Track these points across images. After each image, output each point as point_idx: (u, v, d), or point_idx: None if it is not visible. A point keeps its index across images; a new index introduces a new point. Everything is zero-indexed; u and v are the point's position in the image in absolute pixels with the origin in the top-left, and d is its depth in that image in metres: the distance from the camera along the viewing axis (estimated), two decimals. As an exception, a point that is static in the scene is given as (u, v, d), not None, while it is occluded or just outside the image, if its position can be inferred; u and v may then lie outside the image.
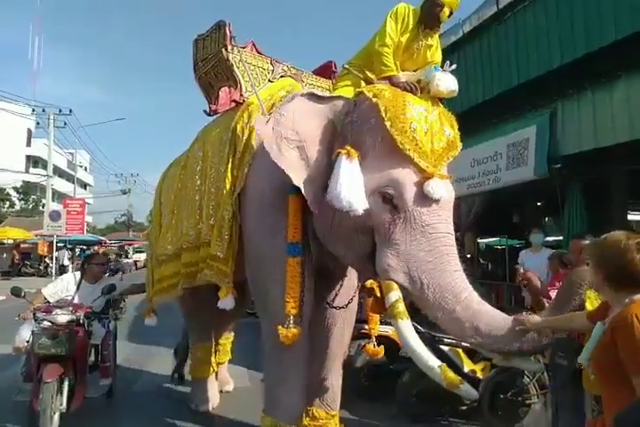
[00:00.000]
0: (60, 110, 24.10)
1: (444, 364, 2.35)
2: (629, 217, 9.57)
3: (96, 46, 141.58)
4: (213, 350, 4.68)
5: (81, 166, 41.50)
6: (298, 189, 2.83)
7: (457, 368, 4.10)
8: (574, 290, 2.89)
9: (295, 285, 2.93)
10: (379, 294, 2.55)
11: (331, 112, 2.84)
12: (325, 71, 4.40)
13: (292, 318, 2.90)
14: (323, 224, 2.85)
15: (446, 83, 2.72)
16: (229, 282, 3.24)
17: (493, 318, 2.37)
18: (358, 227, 2.63)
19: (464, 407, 4.07)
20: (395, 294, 2.44)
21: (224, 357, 4.98)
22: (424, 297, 2.43)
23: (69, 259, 21.32)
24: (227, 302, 3.24)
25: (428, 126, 2.58)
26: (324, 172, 2.71)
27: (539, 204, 9.66)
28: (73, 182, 32.36)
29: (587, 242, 3.18)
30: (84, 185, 46.34)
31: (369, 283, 2.64)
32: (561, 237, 8.37)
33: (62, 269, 21.37)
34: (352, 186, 2.51)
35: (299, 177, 2.73)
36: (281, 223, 3.01)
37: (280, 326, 2.88)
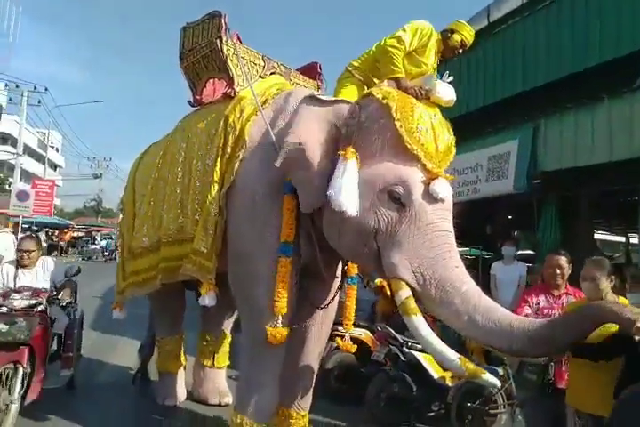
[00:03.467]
0: (35, 87, 23.35)
1: (463, 356, 2.36)
2: (596, 236, 9.91)
3: (78, 26, 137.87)
4: (203, 350, 4.55)
5: (52, 147, 40.34)
6: (293, 188, 2.84)
7: (427, 374, 4.16)
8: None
9: (285, 284, 2.92)
10: (388, 293, 2.57)
11: (333, 116, 2.85)
12: (310, 72, 4.37)
13: (280, 318, 2.90)
14: (330, 228, 2.85)
15: (447, 92, 2.86)
16: (212, 278, 3.19)
17: (492, 312, 2.36)
18: (363, 228, 2.65)
19: (432, 414, 4.11)
20: (405, 292, 2.47)
21: (222, 361, 4.57)
22: (427, 293, 2.46)
23: (45, 241, 20.71)
24: (208, 298, 3.18)
25: (432, 129, 2.68)
26: (326, 174, 2.73)
27: (510, 217, 9.85)
28: (43, 163, 31.42)
29: (562, 257, 3.26)
30: (55, 166, 45.03)
31: (378, 281, 2.68)
32: (530, 251, 8.60)
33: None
34: (347, 188, 2.56)
35: (299, 180, 2.79)
36: (272, 222, 2.99)
37: (268, 326, 2.89)
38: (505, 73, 7.82)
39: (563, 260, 3.21)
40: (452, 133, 2.81)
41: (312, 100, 2.90)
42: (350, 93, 2.99)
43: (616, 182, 5.78)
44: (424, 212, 2.56)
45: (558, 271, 3.21)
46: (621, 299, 2.74)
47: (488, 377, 2.34)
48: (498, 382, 2.36)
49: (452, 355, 2.36)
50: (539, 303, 3.23)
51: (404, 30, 3.00)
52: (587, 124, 5.66)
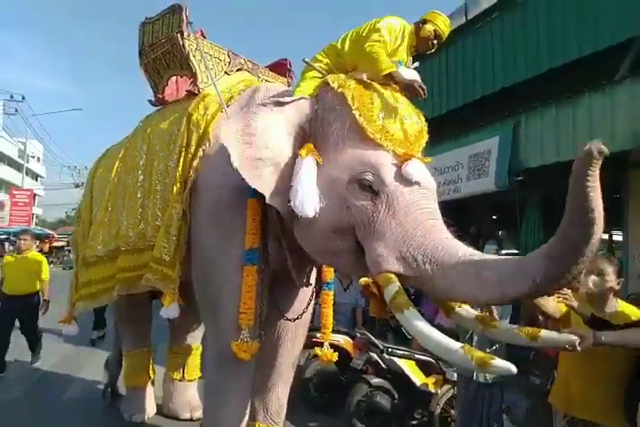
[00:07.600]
0: (12, 96, 23.10)
1: (467, 344, 2.05)
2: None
3: (48, 34, 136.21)
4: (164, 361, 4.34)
5: (33, 157, 39.69)
6: (257, 191, 2.60)
7: (409, 381, 3.98)
8: None
9: (252, 295, 2.70)
10: (376, 292, 2.30)
11: (297, 116, 2.63)
12: (280, 69, 4.20)
13: (247, 331, 2.67)
14: (302, 232, 2.60)
15: (410, 78, 2.65)
16: (175, 288, 2.96)
17: (497, 263, 2.06)
18: (338, 227, 2.41)
19: (414, 422, 3.94)
20: (394, 286, 2.18)
21: (192, 373, 4.33)
22: (423, 274, 2.17)
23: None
24: (171, 310, 2.95)
25: (397, 114, 2.46)
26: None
27: (494, 217, 9.75)
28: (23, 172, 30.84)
29: None
30: (36, 176, 44.29)
31: (363, 280, 2.43)
32: (515, 251, 8.47)
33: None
34: (303, 189, 2.36)
35: (272, 194, 2.53)
36: (237, 227, 2.77)
37: (235, 342, 2.65)
38: (484, 70, 7.73)
39: None
40: (423, 118, 2.59)
41: (273, 105, 2.64)
42: (309, 87, 2.78)
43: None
44: (400, 193, 2.30)
45: None
46: (621, 303, 2.53)
47: (499, 363, 1.94)
48: (513, 368, 1.97)
49: (453, 345, 2.04)
50: None
51: (379, 30, 2.72)
52: (568, 119, 5.54)
